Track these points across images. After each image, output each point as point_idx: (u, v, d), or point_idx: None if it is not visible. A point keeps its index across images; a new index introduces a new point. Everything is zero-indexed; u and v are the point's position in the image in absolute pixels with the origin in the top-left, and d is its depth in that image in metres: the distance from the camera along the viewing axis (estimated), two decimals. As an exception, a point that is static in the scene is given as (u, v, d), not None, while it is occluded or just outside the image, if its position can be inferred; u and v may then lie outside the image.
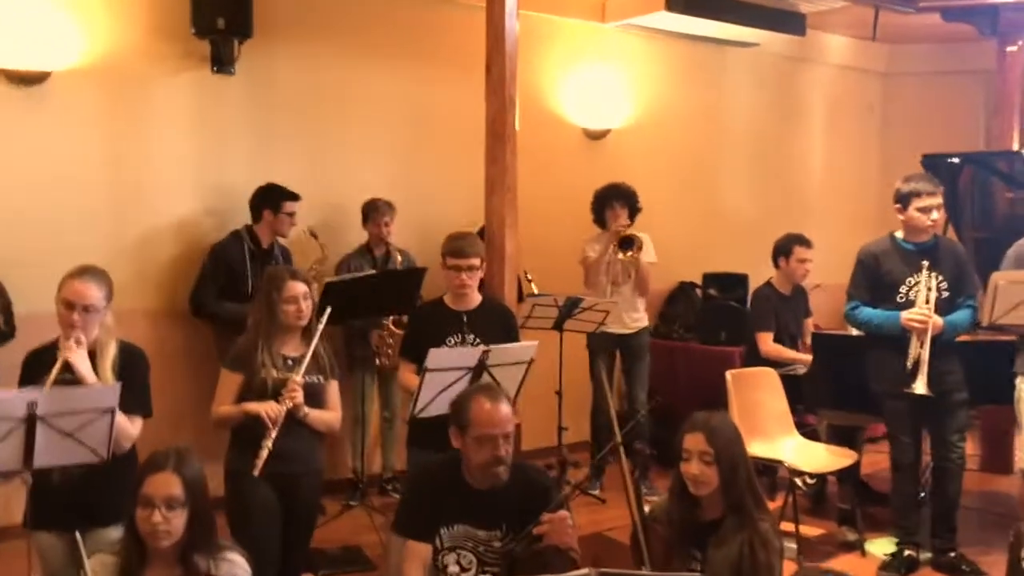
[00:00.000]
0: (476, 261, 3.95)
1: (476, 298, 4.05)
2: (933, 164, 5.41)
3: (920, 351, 4.18)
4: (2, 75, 4.64)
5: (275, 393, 3.54)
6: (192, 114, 5.16)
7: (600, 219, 5.63)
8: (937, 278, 4.30)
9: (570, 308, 5.24)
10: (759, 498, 2.90)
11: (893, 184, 4.47)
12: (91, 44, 4.84)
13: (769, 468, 4.94)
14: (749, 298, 6.00)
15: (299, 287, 3.66)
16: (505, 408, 2.97)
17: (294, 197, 5.04)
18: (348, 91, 5.58)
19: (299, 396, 3.53)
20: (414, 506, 3.09)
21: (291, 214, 5.03)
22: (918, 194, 4.28)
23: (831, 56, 7.96)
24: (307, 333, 3.68)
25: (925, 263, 4.28)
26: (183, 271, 5.15)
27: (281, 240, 5.13)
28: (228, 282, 4.92)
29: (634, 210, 5.62)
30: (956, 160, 5.43)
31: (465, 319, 3.98)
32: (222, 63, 5.11)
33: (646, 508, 3.01)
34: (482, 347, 3.68)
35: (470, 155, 4.97)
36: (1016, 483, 5.86)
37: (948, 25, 6.74)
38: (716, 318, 6.43)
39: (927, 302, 4.23)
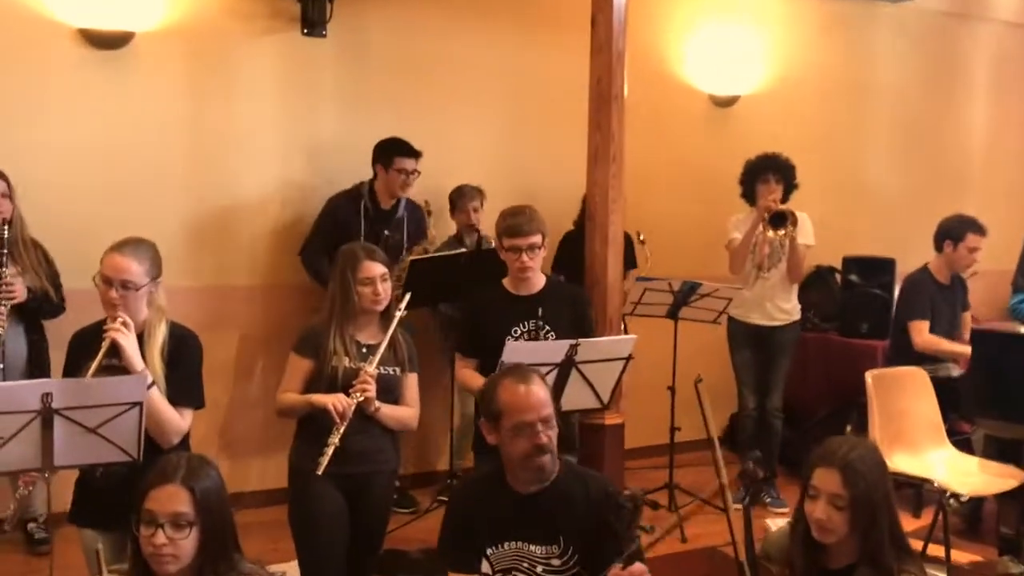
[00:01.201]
0: (537, 239, 3.45)
1: (540, 280, 3.56)
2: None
3: None
4: (82, 36, 4.40)
5: (346, 384, 3.19)
6: (280, 79, 4.84)
7: (749, 193, 4.97)
8: None
9: (687, 294, 4.69)
10: (903, 548, 2.30)
11: None
12: (175, 3, 4.56)
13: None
14: (898, 285, 5.30)
15: (376, 267, 3.29)
16: (539, 389, 2.56)
17: (411, 153, 4.60)
18: (444, 54, 5.15)
19: (371, 389, 3.16)
20: (453, 531, 2.67)
21: (404, 171, 4.58)
22: None
23: (997, 10, 7.00)
24: (386, 319, 3.31)
25: None
26: (267, 244, 4.86)
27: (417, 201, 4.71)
28: (339, 242, 4.56)
29: (790, 186, 4.94)
30: None
31: (532, 304, 3.49)
32: (313, 25, 4.76)
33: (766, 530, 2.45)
34: (568, 341, 3.19)
35: (576, 122, 4.47)
36: None
37: None
38: (857, 307, 5.72)
39: None
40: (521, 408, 2.51)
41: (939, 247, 4.89)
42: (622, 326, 4.66)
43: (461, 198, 4.85)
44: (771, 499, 4.99)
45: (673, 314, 4.77)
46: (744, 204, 5.04)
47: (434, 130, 5.11)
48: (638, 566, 2.27)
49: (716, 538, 4.41)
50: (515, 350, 3.12)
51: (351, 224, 4.51)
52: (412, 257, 4.18)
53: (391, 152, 4.59)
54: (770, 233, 4.77)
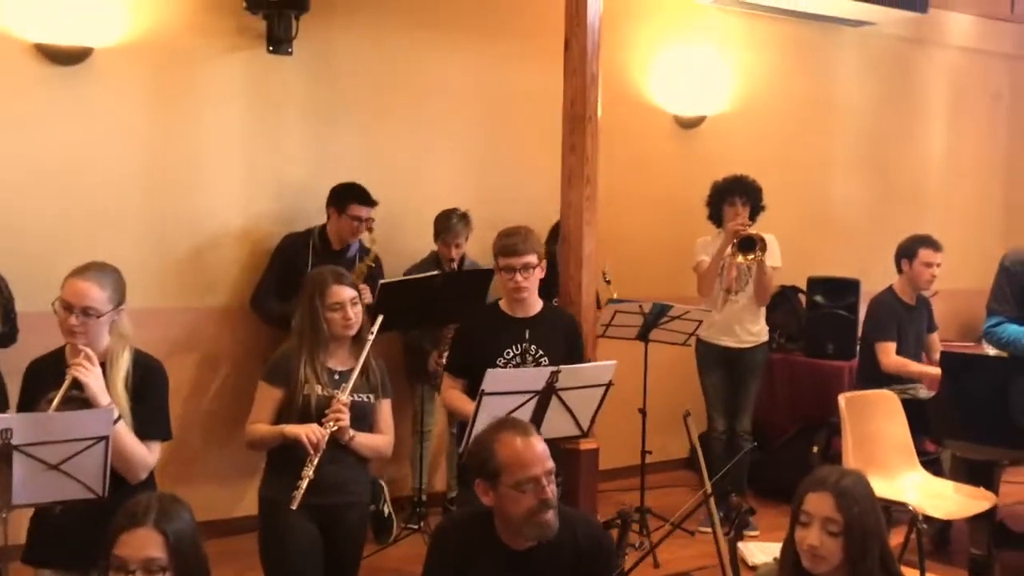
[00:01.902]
0: (531, 259, 3.39)
1: (536, 303, 3.50)
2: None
3: None
4: (39, 52, 4.23)
5: (319, 412, 3.09)
6: (246, 97, 4.70)
7: (716, 215, 4.95)
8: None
9: (657, 316, 4.64)
10: (893, 573, 2.26)
11: (1020, 181, 3.75)
12: (136, 18, 4.41)
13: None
14: (863, 305, 5.29)
15: (345, 292, 3.20)
16: (538, 442, 2.43)
17: (366, 201, 4.50)
18: (413, 72, 5.06)
19: (345, 418, 3.07)
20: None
21: (357, 218, 4.49)
22: None
23: (954, 37, 7.11)
24: (357, 344, 3.22)
25: None
26: (231, 268, 4.72)
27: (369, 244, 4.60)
28: (288, 281, 4.44)
29: (757, 208, 4.92)
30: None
31: (525, 328, 3.43)
32: (278, 42, 4.62)
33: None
34: (550, 368, 3.11)
35: (549, 143, 4.40)
36: None
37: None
38: (823, 328, 5.73)
39: None
40: (524, 463, 2.37)
41: (899, 268, 4.92)
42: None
43: (447, 232, 4.69)
44: (744, 525, 4.93)
45: (643, 336, 4.72)
46: (711, 226, 5.01)
47: (404, 149, 5.03)
48: None
49: (688, 563, 4.38)
50: (496, 377, 3.03)
51: (299, 262, 4.40)
52: (383, 281, 4.06)
53: (346, 198, 4.50)
54: (739, 258, 4.75)
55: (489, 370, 3.03)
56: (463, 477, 3.42)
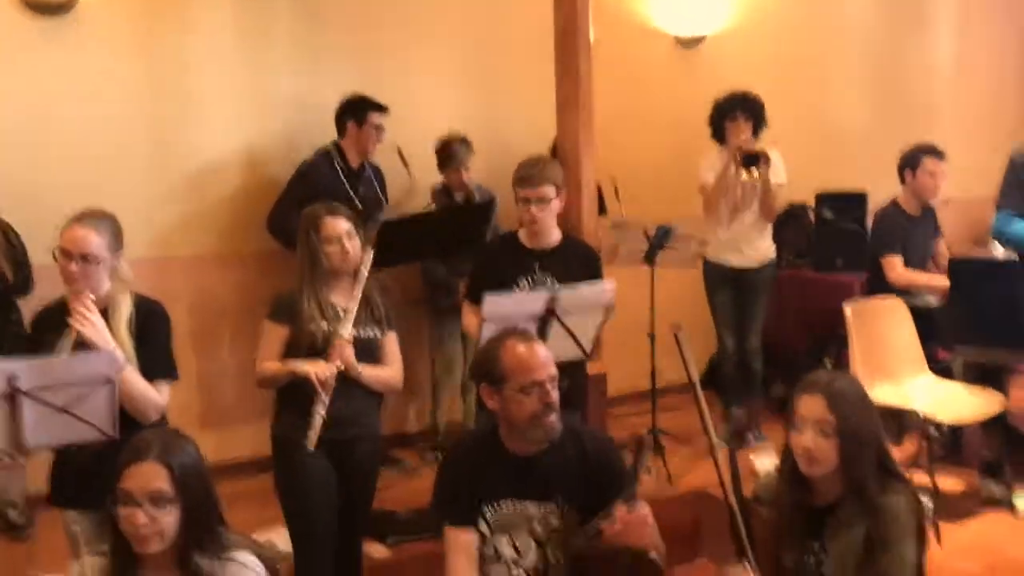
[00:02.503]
0: (549, 190, 3.38)
1: (555, 235, 3.51)
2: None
3: None
4: (23, 4, 4.21)
5: (326, 347, 3.12)
6: (235, 36, 4.66)
7: (719, 133, 4.88)
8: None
9: (661, 238, 4.61)
10: (894, 474, 2.27)
11: None
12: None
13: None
14: (870, 219, 5.24)
15: (340, 224, 3.21)
16: (541, 348, 2.51)
17: (381, 108, 4.48)
18: (403, 1, 4.99)
19: (350, 354, 3.10)
20: (450, 487, 2.60)
21: (378, 127, 4.46)
22: None
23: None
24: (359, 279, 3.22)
25: None
26: (232, 210, 4.72)
27: (373, 161, 4.59)
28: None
29: (760, 124, 4.84)
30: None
31: (539, 259, 3.45)
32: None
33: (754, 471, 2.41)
34: (547, 291, 3.12)
35: (547, 67, 4.34)
36: None
37: None
38: (832, 243, 5.63)
39: None
40: (528, 368, 2.44)
41: (902, 178, 4.84)
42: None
43: (451, 159, 4.66)
44: (755, 437, 4.97)
45: (650, 259, 4.69)
46: (714, 144, 4.95)
47: (397, 81, 4.95)
48: (643, 507, 2.24)
49: (703, 478, 4.42)
50: (495, 302, 3.04)
51: (332, 186, 4.31)
52: (385, 218, 4.06)
53: (365, 108, 4.44)
54: (743, 174, 4.69)
55: (487, 295, 3.04)
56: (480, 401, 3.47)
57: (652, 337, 4.80)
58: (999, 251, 4.18)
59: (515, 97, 5.20)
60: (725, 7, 5.95)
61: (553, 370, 2.49)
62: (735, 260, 4.92)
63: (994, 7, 7.18)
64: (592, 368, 4.15)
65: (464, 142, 4.67)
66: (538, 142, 4.72)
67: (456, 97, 5.16)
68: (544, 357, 2.48)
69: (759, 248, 4.94)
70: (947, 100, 6.98)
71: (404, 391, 4.66)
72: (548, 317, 3.14)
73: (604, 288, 3.29)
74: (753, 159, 4.66)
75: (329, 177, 4.39)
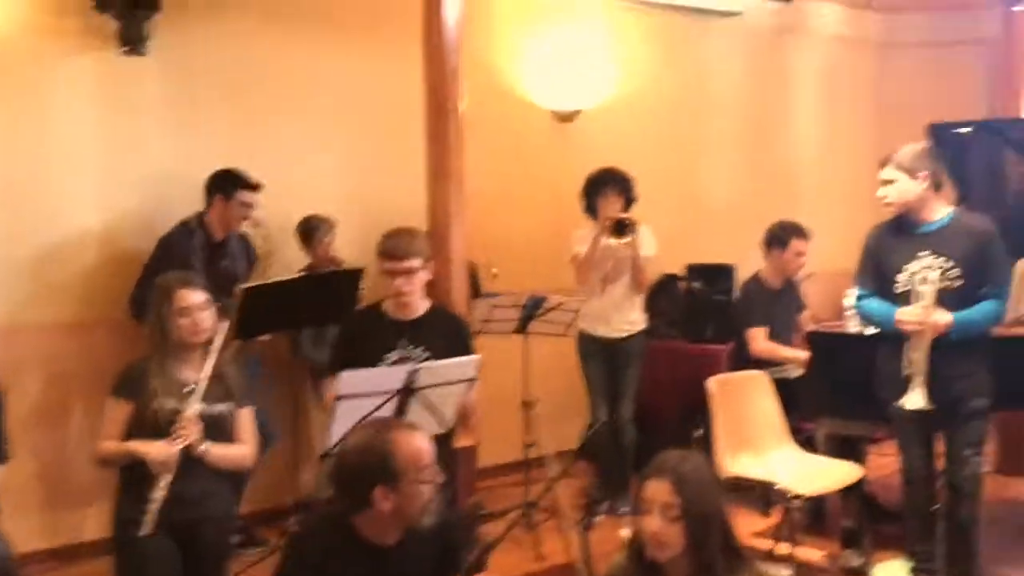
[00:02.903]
0: (415, 263, 3.33)
1: (422, 305, 3.45)
2: (940, 135, 4.77)
3: (913, 355, 3.54)
4: None
5: (171, 425, 2.98)
6: (100, 102, 4.48)
7: (591, 208, 4.93)
8: (944, 264, 3.60)
9: (533, 308, 4.61)
10: (738, 555, 2.25)
11: None
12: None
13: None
14: (736, 292, 5.40)
15: (194, 296, 3.10)
16: (427, 437, 2.45)
17: (252, 186, 4.36)
18: (276, 69, 4.90)
19: (193, 432, 2.98)
20: None
21: (246, 204, 4.34)
22: None
23: (822, 26, 7.29)
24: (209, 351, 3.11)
25: (924, 252, 3.62)
26: (87, 281, 4.50)
27: (245, 231, 4.47)
28: None
29: (630, 198, 4.92)
30: (966, 130, 4.80)
31: (407, 330, 3.37)
32: (132, 42, 4.42)
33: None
34: (407, 366, 3.05)
35: (418, 138, 4.33)
36: None
37: (948, -11, 6.10)
38: (701, 313, 5.82)
39: (919, 298, 3.55)
40: (423, 455, 2.36)
41: (767, 253, 4.98)
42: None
43: (312, 232, 4.59)
44: (625, 509, 4.94)
45: (521, 329, 4.68)
46: (588, 218, 5.01)
47: (269, 150, 4.85)
48: None
49: (573, 554, 4.35)
50: (351, 379, 2.94)
51: (190, 258, 4.20)
52: (245, 284, 3.92)
53: (235, 184, 4.34)
54: (612, 241, 4.74)
55: (342, 373, 2.95)
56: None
57: (527, 406, 4.76)
58: (855, 326, 4.30)
59: (390, 169, 5.16)
60: (600, 83, 6.09)
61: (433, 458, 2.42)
62: (606, 331, 4.95)
63: (855, 91, 7.58)
64: (462, 441, 4.09)
65: (324, 221, 4.61)
66: (414, 214, 4.67)
67: (330, 170, 5.08)
68: (428, 440, 2.43)
69: (630, 319, 4.99)
70: (810, 176, 7.29)
71: (275, 464, 4.55)
72: (408, 393, 3.05)
73: (469, 363, 3.22)
74: (623, 227, 4.73)
75: (188, 250, 4.26)
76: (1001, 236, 3.72)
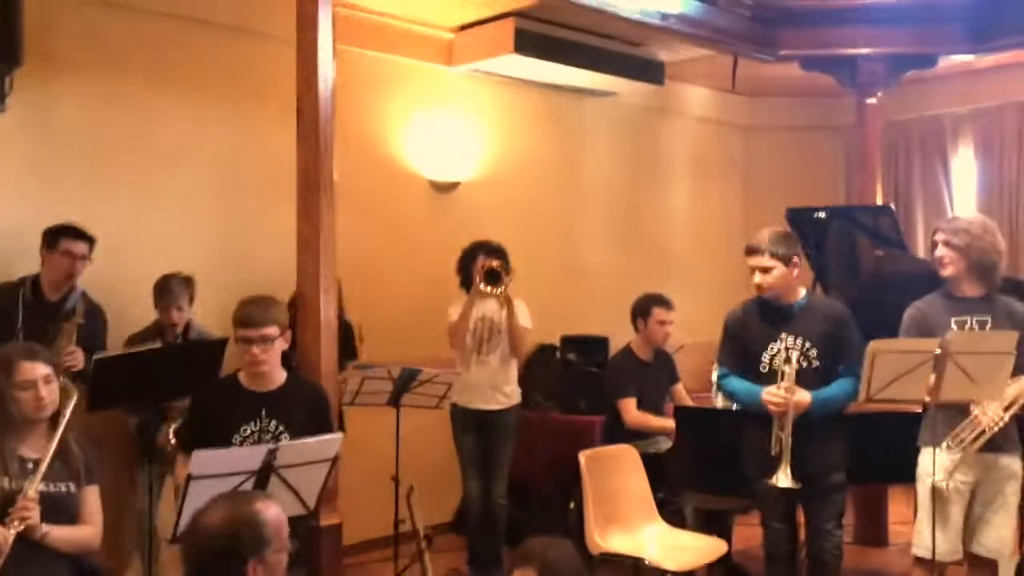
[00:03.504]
0: (271, 330, 3.22)
1: (279, 376, 3.33)
2: (798, 218, 4.96)
3: (781, 434, 3.62)
4: None
5: (8, 507, 2.77)
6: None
7: (467, 280, 4.91)
8: (803, 345, 3.73)
9: (406, 381, 4.52)
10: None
11: None
12: None
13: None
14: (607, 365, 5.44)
15: (37, 368, 2.93)
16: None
17: (80, 236, 4.09)
18: (144, 133, 4.74)
19: (32, 514, 2.78)
20: None
21: (69, 254, 4.06)
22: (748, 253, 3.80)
23: (692, 108, 7.57)
24: (53, 427, 2.94)
25: (785, 332, 3.74)
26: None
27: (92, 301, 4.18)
28: None
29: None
30: (822, 214, 4.99)
31: (263, 403, 3.25)
32: (-10, 97, 4.21)
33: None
34: (266, 446, 2.92)
35: (289, 208, 4.23)
36: (892, 557, 5.45)
37: (808, 78, 6.41)
38: (576, 385, 5.83)
39: (782, 378, 3.64)
40: (284, 523, 2.31)
41: (635, 325, 5.07)
42: (340, 418, 4.44)
43: (165, 295, 4.37)
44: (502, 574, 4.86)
45: (394, 401, 4.58)
46: (464, 293, 4.97)
47: (132, 215, 4.67)
48: None
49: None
50: (204, 458, 2.79)
51: (8, 315, 3.93)
52: (97, 356, 3.70)
53: (56, 234, 4.09)
54: (487, 290, 4.70)
55: (196, 452, 2.80)
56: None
57: (396, 481, 4.64)
58: (719, 401, 4.39)
59: (259, 236, 5.03)
60: (480, 155, 6.14)
61: None
62: (481, 404, 4.89)
63: (722, 169, 7.87)
64: (326, 519, 3.95)
65: (184, 281, 4.41)
66: (281, 282, 4.55)
67: (197, 232, 4.92)
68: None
69: (505, 391, 4.95)
70: (682, 249, 7.49)
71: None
72: (267, 472, 2.92)
73: (331, 441, 3.11)
74: (495, 275, 4.69)
75: (7, 308, 3.98)
76: (856, 316, 3.87)
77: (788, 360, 3.66)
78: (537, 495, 5.62)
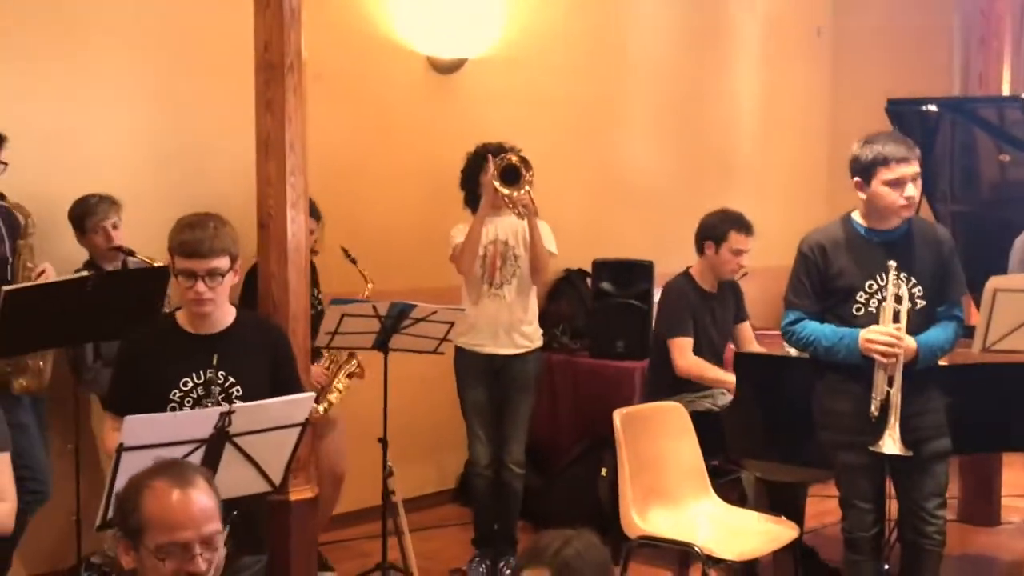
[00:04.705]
0: (220, 262, 3.19)
1: (226, 315, 3.33)
2: (901, 113, 4.87)
3: (889, 390, 3.61)
4: None
5: None
6: None
7: (472, 198, 4.87)
8: (909, 281, 3.71)
9: (397, 318, 4.48)
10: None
11: (846, 139, 3.91)
12: None
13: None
14: (657, 294, 5.40)
15: None
16: (201, 496, 2.28)
17: None
18: (73, 8, 4.68)
19: None
20: None
21: None
22: (885, 161, 3.66)
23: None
24: None
25: (892, 263, 3.69)
26: None
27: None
28: None
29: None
30: (931, 108, 4.88)
31: (211, 349, 3.25)
32: None
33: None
34: (217, 409, 2.91)
35: (248, 97, 4.18)
36: (1004, 538, 5.52)
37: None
38: (611, 321, 5.79)
39: (896, 319, 3.63)
40: (171, 524, 2.22)
41: (700, 249, 5.02)
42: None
43: (89, 216, 4.36)
44: (511, 571, 4.91)
45: (382, 345, 4.56)
46: (469, 213, 4.91)
47: (52, 110, 4.62)
48: None
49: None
50: (136, 427, 2.77)
51: None
52: (7, 287, 3.70)
53: None
54: (504, 191, 4.65)
55: (128, 417, 2.79)
56: None
57: (384, 443, 4.65)
58: (792, 350, 4.35)
59: (211, 138, 4.98)
60: (492, 26, 6.03)
61: (209, 529, 2.26)
62: (493, 347, 4.88)
63: (800, 41, 7.72)
64: (298, 493, 4.02)
65: (105, 199, 4.40)
66: (239, 197, 4.50)
67: (130, 130, 4.86)
68: (199, 510, 2.26)
69: (524, 332, 4.93)
70: (750, 151, 7.48)
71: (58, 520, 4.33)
72: (219, 440, 2.91)
73: (300, 401, 3.10)
74: (514, 172, 4.66)
75: None
76: (973, 241, 3.83)
77: (899, 298, 3.66)
78: (560, 461, 5.66)
